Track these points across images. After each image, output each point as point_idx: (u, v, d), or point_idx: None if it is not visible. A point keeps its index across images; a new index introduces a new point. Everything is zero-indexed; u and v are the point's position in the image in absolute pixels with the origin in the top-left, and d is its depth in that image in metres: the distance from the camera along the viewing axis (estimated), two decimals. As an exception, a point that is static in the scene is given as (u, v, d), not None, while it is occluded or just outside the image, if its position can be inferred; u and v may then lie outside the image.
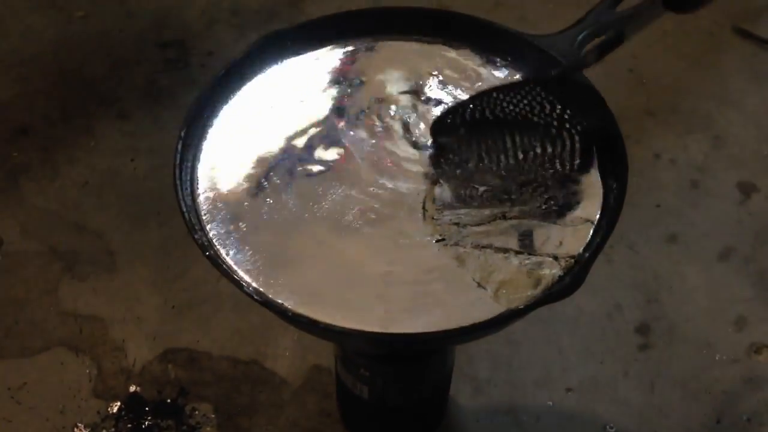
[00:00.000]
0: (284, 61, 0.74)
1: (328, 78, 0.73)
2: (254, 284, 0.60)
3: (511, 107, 0.66)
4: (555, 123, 0.67)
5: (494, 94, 0.66)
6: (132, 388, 0.97)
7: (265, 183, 0.66)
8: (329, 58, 0.75)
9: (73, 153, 1.21)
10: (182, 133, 0.67)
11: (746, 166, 1.22)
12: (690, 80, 1.34)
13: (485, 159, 0.66)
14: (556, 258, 0.60)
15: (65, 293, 1.05)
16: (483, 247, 0.61)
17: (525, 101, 0.65)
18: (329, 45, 0.76)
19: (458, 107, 0.68)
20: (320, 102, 0.72)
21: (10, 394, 0.96)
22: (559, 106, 0.66)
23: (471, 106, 0.66)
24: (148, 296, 1.05)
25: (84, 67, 1.33)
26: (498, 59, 0.74)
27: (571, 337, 1.02)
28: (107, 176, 1.18)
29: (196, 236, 0.61)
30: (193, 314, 1.03)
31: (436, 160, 0.67)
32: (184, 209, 0.62)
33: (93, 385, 0.97)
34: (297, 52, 0.75)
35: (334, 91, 0.72)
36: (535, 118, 0.66)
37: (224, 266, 0.60)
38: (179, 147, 0.66)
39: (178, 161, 0.65)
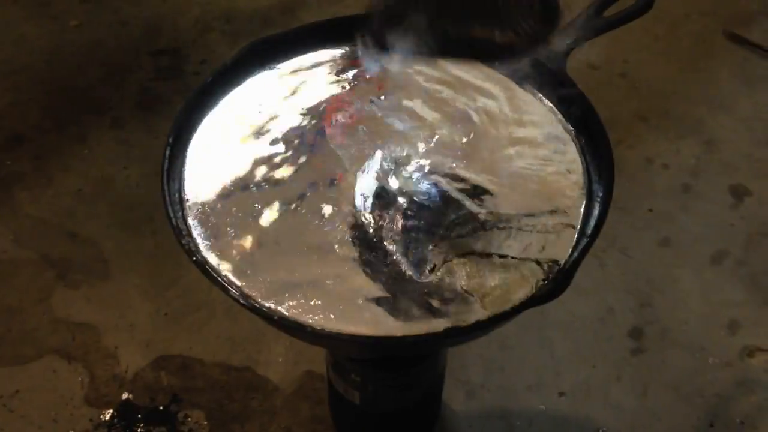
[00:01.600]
0: (275, 66, 0.74)
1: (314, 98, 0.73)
2: (242, 289, 0.60)
3: None
4: None
5: None
6: (124, 396, 0.97)
7: (253, 188, 0.66)
8: (321, 63, 0.75)
9: (66, 161, 1.21)
10: (170, 140, 0.67)
11: (738, 170, 1.22)
12: (682, 85, 1.35)
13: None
14: (538, 263, 0.61)
15: (58, 301, 1.05)
16: (466, 254, 0.61)
17: None
18: (322, 49, 0.76)
19: None
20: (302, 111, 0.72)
21: (2, 402, 0.96)
22: None
23: None
24: (140, 303, 1.05)
25: (77, 75, 1.34)
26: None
27: (564, 341, 1.02)
28: (100, 184, 1.19)
29: (183, 242, 0.61)
30: (186, 321, 1.03)
31: None
32: (172, 215, 0.63)
33: (85, 393, 0.97)
34: (287, 57, 0.75)
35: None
36: None
37: (211, 271, 0.60)
38: (167, 154, 0.66)
39: (166, 167, 0.65)
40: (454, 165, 0.67)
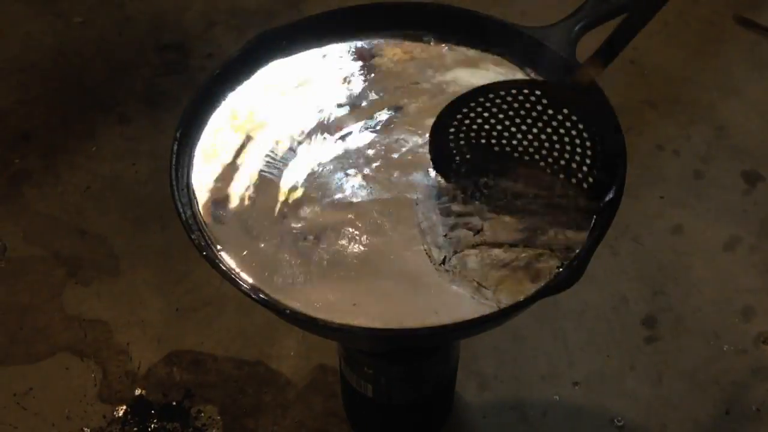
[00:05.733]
0: (283, 58, 0.74)
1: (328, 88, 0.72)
2: (252, 282, 0.60)
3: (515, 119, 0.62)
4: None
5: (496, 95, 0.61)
6: (137, 392, 0.97)
7: (260, 182, 0.66)
8: (329, 57, 0.75)
9: (74, 158, 1.21)
10: (178, 134, 0.66)
11: (750, 156, 1.21)
12: (692, 70, 1.33)
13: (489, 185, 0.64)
14: (552, 250, 0.60)
15: (69, 298, 1.05)
16: (479, 245, 0.61)
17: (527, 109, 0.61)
18: (328, 44, 0.75)
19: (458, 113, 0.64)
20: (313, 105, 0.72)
21: (15, 400, 0.96)
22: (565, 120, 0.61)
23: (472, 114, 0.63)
24: (151, 299, 1.05)
25: (84, 72, 1.34)
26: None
27: (577, 331, 1.01)
28: (109, 181, 1.18)
29: (193, 236, 0.61)
30: (197, 316, 1.03)
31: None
32: (181, 210, 0.62)
33: (98, 390, 0.97)
34: (293, 50, 0.75)
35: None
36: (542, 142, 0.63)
37: (221, 266, 0.60)
38: (175, 148, 0.66)
39: (174, 162, 0.65)
40: None
